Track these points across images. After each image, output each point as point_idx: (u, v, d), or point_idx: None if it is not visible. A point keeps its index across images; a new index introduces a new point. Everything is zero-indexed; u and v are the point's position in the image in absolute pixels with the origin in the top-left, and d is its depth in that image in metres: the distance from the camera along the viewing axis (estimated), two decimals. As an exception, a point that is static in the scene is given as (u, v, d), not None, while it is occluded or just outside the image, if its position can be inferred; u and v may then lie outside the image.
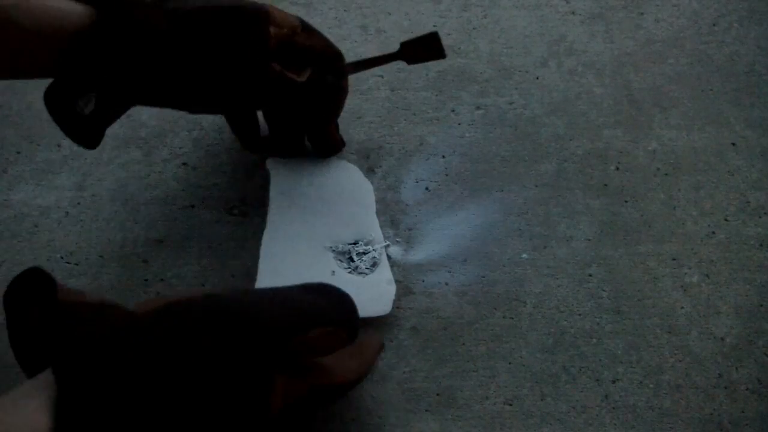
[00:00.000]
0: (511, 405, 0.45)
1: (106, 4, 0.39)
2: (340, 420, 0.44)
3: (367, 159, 0.56)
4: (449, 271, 0.50)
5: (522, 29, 0.64)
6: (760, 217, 0.53)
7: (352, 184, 0.53)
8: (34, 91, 0.57)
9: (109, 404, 0.29)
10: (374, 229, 0.50)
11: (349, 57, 0.56)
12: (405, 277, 0.50)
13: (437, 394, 0.45)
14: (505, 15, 0.65)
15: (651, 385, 0.46)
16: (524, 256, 0.51)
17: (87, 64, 0.39)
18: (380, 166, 0.55)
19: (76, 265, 0.50)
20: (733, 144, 0.57)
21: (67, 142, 0.56)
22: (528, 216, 0.53)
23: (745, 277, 0.50)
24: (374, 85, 0.60)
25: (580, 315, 0.48)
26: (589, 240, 0.52)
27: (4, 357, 0.46)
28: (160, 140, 0.56)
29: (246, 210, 0.53)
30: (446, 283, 0.49)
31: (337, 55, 0.49)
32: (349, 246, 0.49)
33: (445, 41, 0.63)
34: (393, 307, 0.47)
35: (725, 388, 0.46)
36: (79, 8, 0.39)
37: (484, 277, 0.50)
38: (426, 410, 0.45)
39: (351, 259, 0.48)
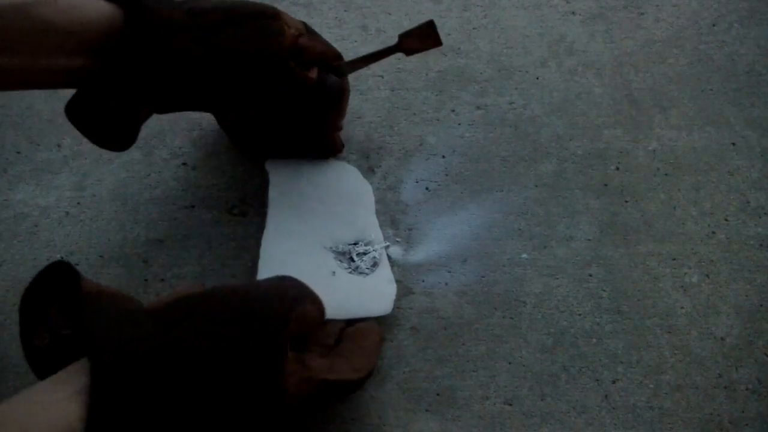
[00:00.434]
0: (511, 405, 0.45)
1: (133, 5, 0.39)
2: (340, 420, 0.44)
3: (367, 159, 0.56)
4: (449, 271, 0.50)
5: (522, 29, 0.64)
6: (760, 217, 0.53)
7: (352, 185, 0.53)
8: (34, 91, 0.57)
9: (141, 393, 0.30)
10: (374, 230, 0.50)
11: (349, 57, 0.56)
12: (405, 277, 0.50)
13: (437, 394, 0.45)
14: (505, 15, 0.65)
15: (651, 385, 0.46)
16: (524, 256, 0.51)
17: (124, 70, 0.39)
18: (380, 166, 0.55)
19: (76, 265, 0.50)
20: (733, 144, 0.57)
21: (67, 142, 0.56)
22: (528, 216, 0.53)
23: (745, 277, 0.50)
24: (374, 85, 0.60)
25: (580, 315, 0.48)
26: (589, 240, 0.52)
27: (4, 358, 0.46)
28: (160, 140, 0.56)
29: (246, 210, 0.53)
30: (446, 283, 0.49)
31: (337, 55, 0.49)
32: (350, 246, 0.49)
33: (445, 41, 0.63)
34: (393, 307, 0.47)
35: (725, 388, 0.46)
36: (106, 7, 0.39)
37: (484, 277, 0.50)
38: (426, 410, 0.44)
39: (351, 260, 0.48)
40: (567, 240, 0.52)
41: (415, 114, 0.58)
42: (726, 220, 0.53)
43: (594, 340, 0.48)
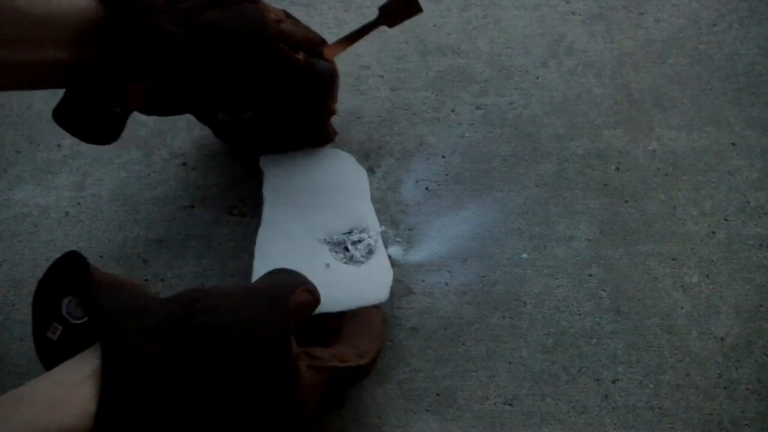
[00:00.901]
0: (511, 405, 0.45)
1: (115, 3, 0.39)
2: (340, 420, 0.44)
3: (367, 159, 0.56)
4: (449, 271, 0.50)
5: (522, 29, 0.64)
6: (760, 217, 0.53)
7: (346, 173, 0.52)
8: (34, 91, 0.57)
9: (152, 376, 0.30)
10: (369, 217, 0.50)
11: (349, 57, 0.56)
12: (405, 277, 0.50)
13: (437, 394, 0.45)
14: (505, 15, 0.65)
15: (651, 385, 0.46)
16: (524, 256, 0.51)
17: (106, 58, 0.39)
18: (380, 166, 0.55)
19: (76, 265, 0.50)
20: (733, 144, 0.57)
21: (67, 142, 0.56)
22: (528, 216, 0.53)
23: (745, 277, 0.50)
24: (374, 85, 0.60)
25: (580, 315, 0.48)
26: (589, 240, 0.52)
27: (4, 358, 0.46)
28: (160, 140, 0.56)
29: (246, 210, 0.53)
30: (446, 283, 0.49)
31: (321, 40, 0.49)
32: (344, 236, 0.48)
33: (445, 41, 0.63)
34: (393, 306, 0.47)
35: (725, 388, 0.46)
36: (83, 1, 0.39)
37: (484, 277, 0.50)
38: (426, 410, 0.44)
39: (346, 249, 0.48)
40: (567, 240, 0.52)
41: (415, 114, 0.58)
42: (726, 220, 0.53)
43: (594, 340, 0.48)
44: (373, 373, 0.45)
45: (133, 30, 0.39)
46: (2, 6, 0.36)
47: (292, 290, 0.36)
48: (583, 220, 0.53)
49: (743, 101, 0.60)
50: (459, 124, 0.58)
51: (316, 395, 0.36)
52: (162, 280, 0.50)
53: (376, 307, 0.44)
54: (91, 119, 0.41)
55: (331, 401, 0.38)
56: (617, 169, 0.56)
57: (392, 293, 0.49)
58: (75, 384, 0.29)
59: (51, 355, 0.33)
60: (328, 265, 0.46)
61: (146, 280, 0.50)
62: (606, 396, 0.45)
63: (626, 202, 0.54)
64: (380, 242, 0.48)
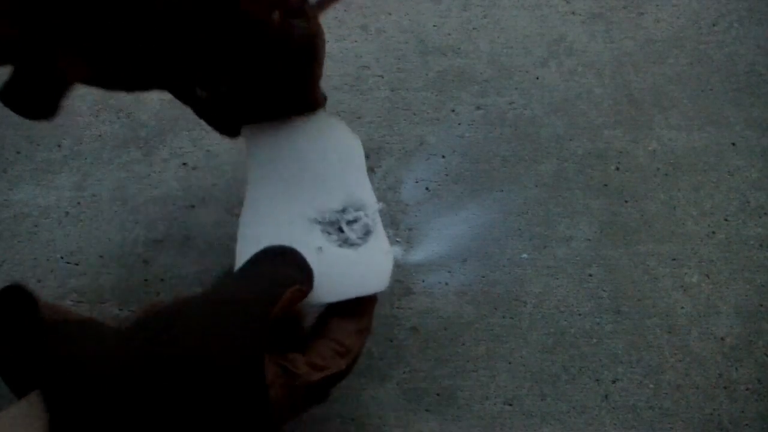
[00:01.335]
0: (511, 405, 0.45)
1: None
2: (340, 420, 0.44)
3: (367, 159, 0.56)
4: (449, 271, 0.50)
5: (522, 29, 0.64)
6: (760, 217, 0.53)
7: (339, 143, 0.45)
8: (34, 91, 0.57)
9: (102, 425, 0.28)
10: (365, 192, 0.43)
11: (350, 57, 0.56)
12: (405, 277, 0.50)
13: (437, 394, 0.45)
14: (505, 15, 0.65)
15: (651, 385, 0.46)
16: (524, 256, 0.51)
17: (38, 37, 0.33)
18: (380, 166, 0.55)
19: (76, 265, 0.50)
20: (733, 144, 0.57)
21: (67, 142, 0.56)
22: (528, 216, 0.53)
23: (745, 277, 0.50)
24: (374, 85, 0.60)
25: (580, 315, 0.48)
26: (589, 240, 0.52)
27: None
28: (160, 140, 0.56)
29: (246, 210, 0.53)
30: (446, 283, 0.49)
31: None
32: (338, 214, 0.42)
33: (445, 41, 0.63)
34: (393, 306, 0.47)
35: (725, 388, 0.46)
36: None
37: (484, 277, 0.50)
38: (426, 410, 0.44)
39: (340, 230, 0.41)
40: (567, 240, 0.52)
41: (415, 114, 0.58)
42: (726, 220, 0.53)
43: (594, 340, 0.48)
44: (373, 373, 0.45)
45: None
46: None
47: (277, 297, 0.32)
48: (583, 220, 0.53)
49: (743, 101, 0.60)
50: (459, 124, 0.58)
51: (289, 409, 0.33)
52: (162, 280, 0.50)
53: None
54: (25, 94, 0.36)
55: (311, 404, 0.35)
56: (617, 169, 0.56)
57: (392, 293, 0.49)
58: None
59: (15, 377, 0.30)
60: (320, 249, 0.40)
61: (146, 280, 0.50)
62: (606, 396, 0.45)
63: (626, 202, 0.54)
64: (378, 221, 0.42)
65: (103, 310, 0.48)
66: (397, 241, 0.51)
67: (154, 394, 0.28)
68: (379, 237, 0.42)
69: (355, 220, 0.42)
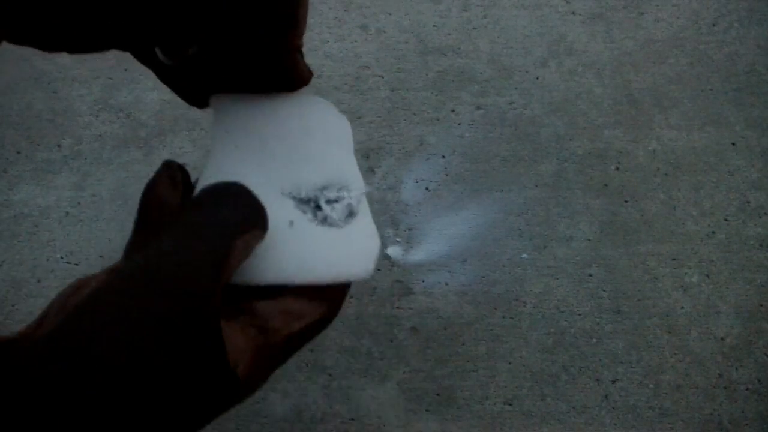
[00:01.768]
0: (511, 405, 0.45)
1: None
2: (340, 420, 0.44)
3: (367, 159, 0.56)
4: (449, 271, 0.50)
5: (522, 29, 0.64)
6: (760, 217, 0.53)
7: (323, 120, 0.39)
8: (34, 91, 0.57)
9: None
10: (351, 172, 0.37)
11: (349, 57, 0.56)
12: (405, 277, 0.50)
13: (437, 394, 0.45)
14: (505, 15, 0.65)
15: (651, 385, 0.46)
16: (524, 256, 0.51)
17: None
18: (380, 166, 0.55)
19: (76, 265, 0.50)
20: (733, 144, 0.57)
21: (67, 142, 0.56)
22: (528, 216, 0.53)
23: (745, 277, 0.50)
24: (374, 85, 0.60)
25: (580, 315, 0.48)
26: (589, 240, 0.52)
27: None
28: (160, 140, 0.56)
29: (246, 210, 0.53)
30: (446, 283, 0.49)
31: None
32: (317, 191, 0.36)
33: (445, 41, 0.63)
34: (393, 305, 0.47)
35: (725, 388, 0.46)
36: None
37: (484, 277, 0.50)
38: (426, 410, 0.44)
39: (318, 208, 0.36)
40: (567, 240, 0.52)
41: (415, 114, 0.58)
42: (726, 220, 0.53)
43: (594, 340, 0.48)
44: (373, 373, 0.45)
45: None
46: None
47: (226, 254, 0.25)
48: (583, 220, 0.53)
49: (743, 101, 0.60)
50: (459, 124, 0.58)
51: (261, 374, 0.27)
52: (162, 280, 0.50)
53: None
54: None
55: (285, 360, 0.29)
56: (617, 169, 0.56)
57: (392, 293, 0.49)
58: None
59: None
60: (291, 223, 0.34)
61: (146, 280, 0.50)
62: (606, 396, 0.45)
63: (626, 202, 0.54)
64: (364, 204, 0.36)
65: (103, 310, 0.48)
66: (397, 241, 0.51)
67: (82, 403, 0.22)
68: (364, 220, 0.35)
69: (336, 200, 0.36)
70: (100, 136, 0.56)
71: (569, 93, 0.60)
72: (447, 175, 0.55)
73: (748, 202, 0.54)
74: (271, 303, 0.29)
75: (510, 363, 0.46)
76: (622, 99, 0.60)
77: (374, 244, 0.34)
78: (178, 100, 0.46)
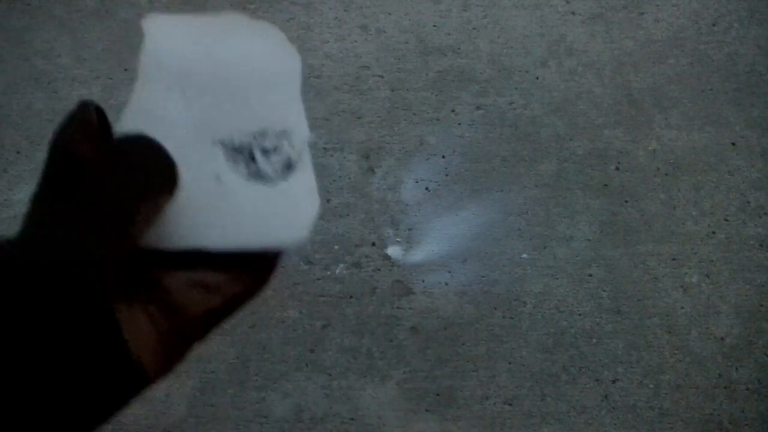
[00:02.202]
0: (511, 405, 0.45)
1: None
2: (340, 420, 0.44)
3: (367, 159, 0.56)
4: (449, 271, 0.50)
5: (522, 29, 0.64)
6: (760, 217, 0.53)
7: (272, 53, 0.32)
8: (34, 91, 0.57)
9: None
10: (294, 117, 0.31)
11: (349, 57, 0.56)
12: (405, 277, 0.50)
13: (437, 394, 0.45)
14: (505, 15, 0.65)
15: (651, 385, 0.46)
16: (524, 256, 0.51)
17: None
18: (380, 166, 0.55)
19: (76, 265, 0.50)
20: (733, 144, 0.57)
21: (67, 142, 0.56)
22: (528, 216, 0.53)
23: (745, 277, 0.50)
24: (374, 85, 0.60)
25: (580, 315, 0.48)
26: (589, 240, 0.52)
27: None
28: (160, 140, 0.56)
29: (246, 210, 0.53)
30: (446, 283, 0.50)
31: None
32: (251, 139, 0.30)
33: (445, 41, 0.63)
34: (393, 306, 0.47)
35: (725, 388, 0.46)
36: None
37: (484, 277, 0.50)
38: (426, 410, 0.44)
39: (252, 158, 0.29)
40: (567, 240, 0.52)
41: (415, 114, 0.58)
42: (726, 220, 0.53)
43: (594, 340, 0.48)
44: (373, 373, 0.45)
45: None
46: None
47: (125, 225, 0.21)
48: (583, 220, 0.53)
49: (743, 101, 0.60)
50: (459, 124, 0.58)
51: (167, 359, 0.25)
52: (162, 280, 0.50)
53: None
54: None
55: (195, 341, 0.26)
56: (617, 169, 0.56)
57: (392, 293, 0.49)
58: None
59: None
60: (218, 178, 0.30)
61: (146, 280, 0.49)
62: (606, 396, 0.45)
63: (626, 202, 0.54)
64: (306, 155, 0.33)
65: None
66: (397, 241, 0.52)
67: None
68: (304, 175, 0.31)
69: (274, 150, 0.30)
70: (100, 136, 0.56)
71: (569, 93, 0.60)
72: (447, 175, 0.55)
73: (748, 202, 0.54)
74: (183, 275, 0.23)
75: (510, 363, 0.46)
76: (622, 99, 0.60)
77: (311, 204, 0.28)
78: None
